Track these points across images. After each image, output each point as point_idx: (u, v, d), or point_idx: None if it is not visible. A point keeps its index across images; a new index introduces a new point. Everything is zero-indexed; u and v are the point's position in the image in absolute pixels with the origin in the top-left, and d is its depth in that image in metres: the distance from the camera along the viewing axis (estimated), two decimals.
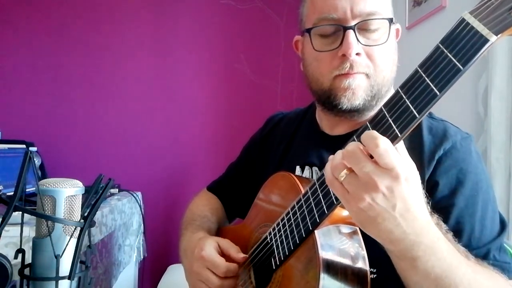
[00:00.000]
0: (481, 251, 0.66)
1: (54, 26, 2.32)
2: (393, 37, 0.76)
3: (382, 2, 0.74)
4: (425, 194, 0.56)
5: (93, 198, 0.58)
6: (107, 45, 2.36)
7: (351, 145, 0.50)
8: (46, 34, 2.32)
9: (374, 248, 0.62)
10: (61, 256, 0.54)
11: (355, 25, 0.71)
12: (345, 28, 0.71)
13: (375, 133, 0.49)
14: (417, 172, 0.51)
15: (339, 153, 0.51)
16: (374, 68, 0.73)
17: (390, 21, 0.73)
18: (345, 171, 0.50)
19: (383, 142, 0.47)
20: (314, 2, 0.76)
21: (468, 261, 0.58)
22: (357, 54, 0.71)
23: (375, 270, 0.72)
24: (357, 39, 0.70)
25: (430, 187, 0.70)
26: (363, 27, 0.72)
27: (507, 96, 1.23)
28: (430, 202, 0.64)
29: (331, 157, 0.53)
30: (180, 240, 0.93)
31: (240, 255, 0.76)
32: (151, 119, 2.40)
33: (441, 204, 0.67)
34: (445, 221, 0.65)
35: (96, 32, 2.35)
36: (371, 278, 0.70)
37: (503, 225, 0.71)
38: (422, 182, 0.68)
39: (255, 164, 0.99)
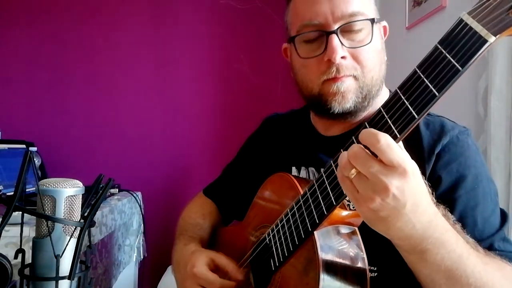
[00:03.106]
0: (485, 243, 0.66)
1: (55, 27, 2.32)
2: (378, 36, 0.76)
3: (364, 1, 0.74)
4: (428, 184, 0.56)
5: (93, 198, 0.58)
6: (106, 45, 2.36)
7: (354, 147, 0.49)
8: (46, 35, 2.32)
9: (375, 247, 0.63)
10: (61, 256, 0.54)
11: (338, 28, 0.70)
12: (328, 33, 0.70)
13: (373, 130, 0.48)
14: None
15: (344, 154, 0.50)
16: (362, 70, 0.72)
17: (372, 21, 0.72)
18: (353, 170, 0.49)
19: (383, 137, 0.47)
20: (296, 9, 0.76)
21: (478, 252, 0.59)
22: (342, 57, 0.70)
23: (375, 269, 0.72)
24: (341, 42, 0.70)
25: (433, 182, 0.70)
26: (346, 29, 0.72)
27: (507, 96, 1.23)
28: (434, 193, 0.63)
29: (341, 155, 0.52)
30: (173, 249, 0.92)
31: (240, 275, 0.76)
32: (151, 119, 2.40)
33: (444, 199, 0.68)
34: None
35: (96, 33, 2.35)
36: (372, 276, 0.71)
37: (504, 216, 0.72)
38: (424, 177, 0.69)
39: (251, 165, 0.99)
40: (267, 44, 2.46)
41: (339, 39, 0.70)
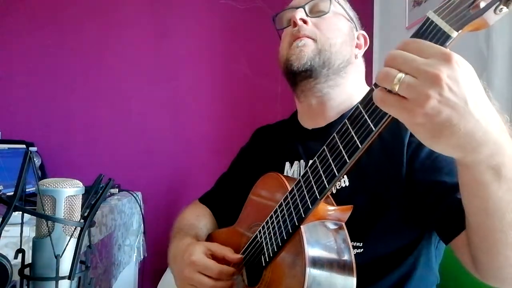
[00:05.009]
0: None
1: (55, 27, 2.32)
2: (344, 21, 0.91)
3: None
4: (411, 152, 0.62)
5: (93, 198, 0.58)
6: (106, 45, 2.36)
7: (390, 52, 0.46)
8: (46, 35, 2.31)
9: (360, 223, 0.65)
10: (61, 256, 0.54)
11: (304, 5, 0.89)
12: (296, 8, 0.89)
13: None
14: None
15: (382, 69, 0.46)
16: (321, 34, 0.86)
17: None
18: (399, 74, 0.44)
19: (411, 39, 0.46)
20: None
21: None
22: (304, 22, 0.87)
23: (361, 245, 0.75)
24: (306, 14, 0.88)
25: (415, 147, 0.75)
26: (313, 10, 0.89)
27: (507, 96, 1.23)
28: (418, 156, 0.71)
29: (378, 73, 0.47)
30: (169, 248, 0.96)
31: (237, 255, 0.77)
32: (151, 119, 2.39)
33: (431, 156, 0.73)
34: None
35: (95, 32, 2.35)
36: (358, 252, 0.74)
37: None
38: (405, 149, 0.75)
39: (245, 172, 1.02)
40: (267, 44, 2.44)
41: (305, 12, 0.88)
